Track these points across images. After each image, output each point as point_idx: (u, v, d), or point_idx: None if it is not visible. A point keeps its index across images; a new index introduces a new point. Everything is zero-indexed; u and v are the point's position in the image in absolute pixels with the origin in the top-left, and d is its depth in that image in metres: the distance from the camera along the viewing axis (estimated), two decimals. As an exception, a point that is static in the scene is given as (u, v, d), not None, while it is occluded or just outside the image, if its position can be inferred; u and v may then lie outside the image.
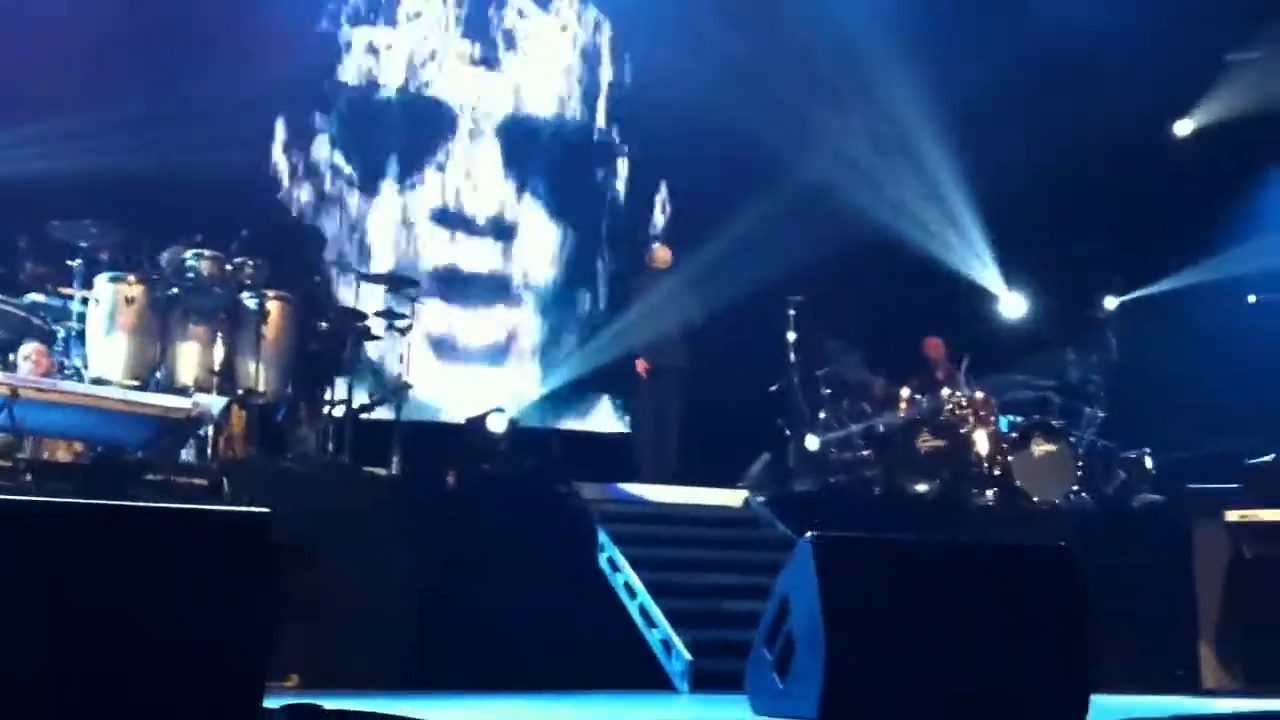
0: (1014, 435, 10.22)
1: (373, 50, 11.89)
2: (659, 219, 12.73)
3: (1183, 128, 12.71)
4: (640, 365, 10.41)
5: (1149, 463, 10.45)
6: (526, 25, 12.44)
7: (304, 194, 11.46)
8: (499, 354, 11.98)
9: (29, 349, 7.69)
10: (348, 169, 11.66)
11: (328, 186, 11.56)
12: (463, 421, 9.88)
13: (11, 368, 7.57)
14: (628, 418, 11.08)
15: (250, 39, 10.53)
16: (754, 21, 11.95)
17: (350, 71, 11.79)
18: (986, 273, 12.31)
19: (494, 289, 12.09)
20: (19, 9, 9.88)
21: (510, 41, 12.38)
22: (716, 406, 10.82)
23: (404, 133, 11.90)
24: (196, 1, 10.75)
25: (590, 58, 12.68)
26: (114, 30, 10.13)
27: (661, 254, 10.88)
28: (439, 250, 11.89)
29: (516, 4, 12.40)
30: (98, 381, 7.64)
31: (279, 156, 11.31)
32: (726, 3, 12.11)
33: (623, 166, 12.75)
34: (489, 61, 12.26)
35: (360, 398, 9.15)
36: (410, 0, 12.06)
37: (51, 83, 9.73)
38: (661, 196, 12.74)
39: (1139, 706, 6.27)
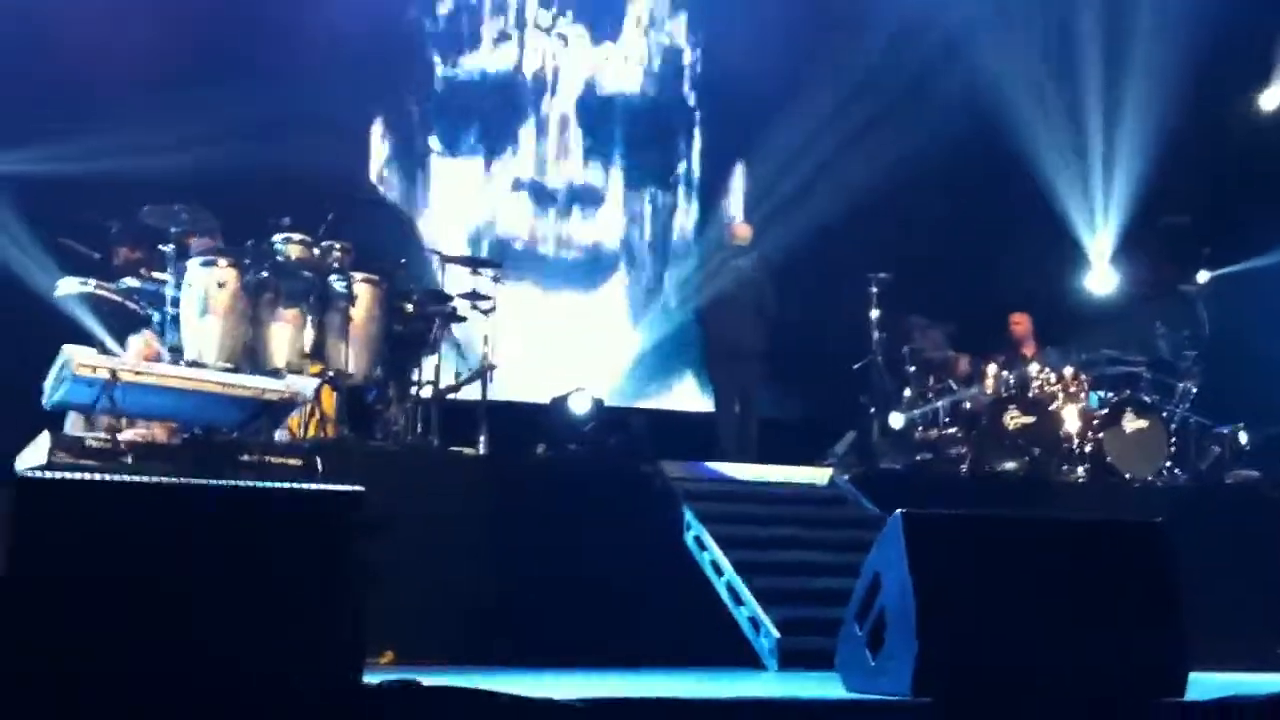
0: (1104, 411, 10.09)
1: (458, 37, 12.01)
2: (735, 198, 12.71)
3: (1270, 100, 12.42)
4: None
5: (1243, 438, 10.28)
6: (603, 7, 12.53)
7: (392, 175, 11.63)
8: (585, 321, 12.08)
9: (142, 335, 7.86)
10: (436, 147, 11.84)
11: (416, 166, 11.72)
12: (548, 401, 9.93)
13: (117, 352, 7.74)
14: (710, 396, 11.06)
15: (338, 25, 10.65)
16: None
17: (436, 54, 11.90)
18: (1093, 242, 12.14)
19: (580, 261, 12.20)
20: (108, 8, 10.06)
21: (589, 18, 12.45)
22: (801, 384, 10.79)
23: (489, 109, 12.06)
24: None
25: (666, 34, 12.70)
26: (204, 16, 10.30)
27: (741, 230, 10.87)
28: (524, 222, 12.04)
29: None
30: (193, 364, 7.77)
31: (374, 140, 11.49)
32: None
33: (699, 140, 12.75)
34: (566, 38, 12.33)
35: (448, 378, 9.23)
36: None
37: (140, 71, 9.92)
38: (738, 175, 12.71)
39: (1237, 684, 6.16)
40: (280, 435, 7.59)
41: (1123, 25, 11.90)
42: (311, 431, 7.88)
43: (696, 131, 12.78)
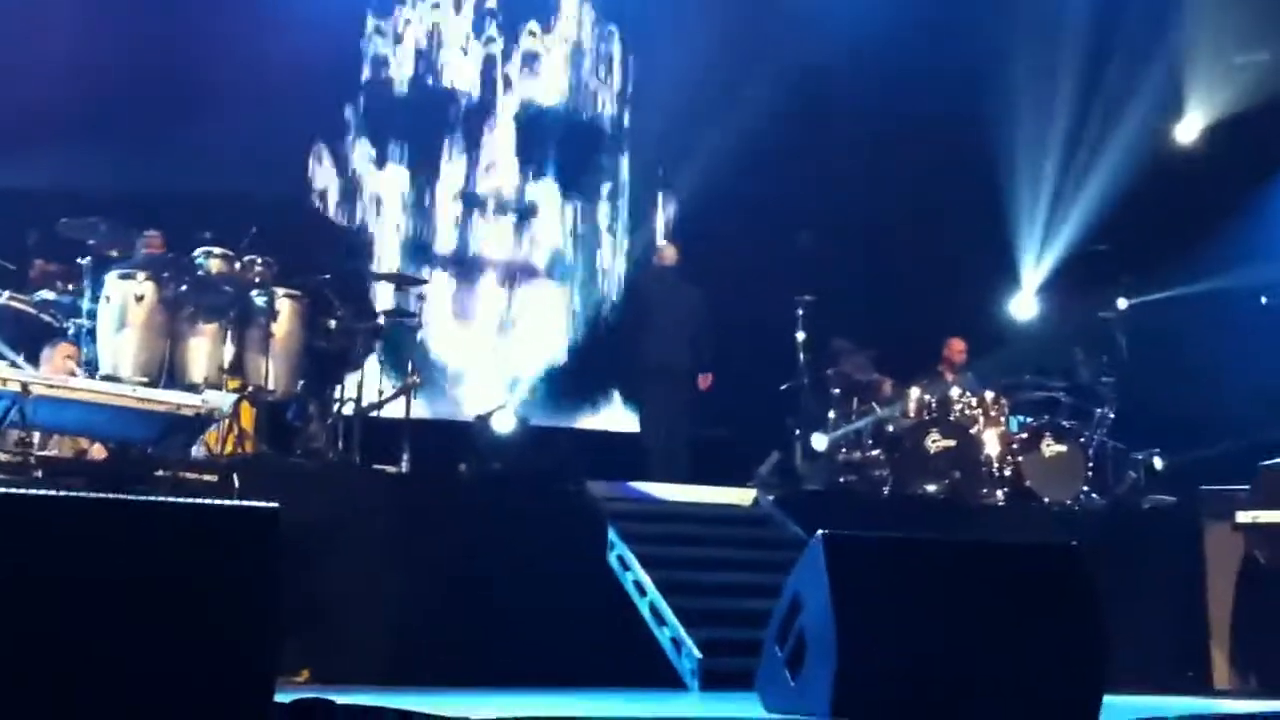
0: (1024, 435, 10.22)
1: (391, 45, 12.03)
2: (661, 220, 12.77)
3: (1188, 131, 12.70)
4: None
5: (1159, 463, 10.44)
6: (537, 28, 12.55)
7: (324, 187, 11.57)
8: (509, 327, 12.07)
9: (59, 347, 7.71)
10: (368, 160, 11.80)
11: (346, 179, 11.67)
12: (472, 419, 9.88)
13: (34, 365, 7.59)
14: (637, 415, 11.07)
15: (272, 38, 10.56)
16: (749, 26, 12.01)
17: (372, 67, 11.92)
18: (1028, 270, 12.33)
19: (510, 267, 12.24)
20: (36, 22, 9.89)
21: (522, 40, 12.49)
22: (726, 406, 10.82)
23: (423, 121, 12.08)
24: (221, 3, 10.74)
25: (599, 57, 12.73)
26: (133, 33, 10.16)
27: (668, 251, 10.91)
28: (456, 234, 12.08)
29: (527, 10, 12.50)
30: (109, 378, 7.63)
31: (309, 155, 11.43)
32: (726, 9, 12.15)
33: (627, 160, 12.81)
34: (499, 53, 12.39)
35: (370, 395, 9.15)
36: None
37: (66, 86, 9.76)
38: (666, 198, 12.77)
39: (1150, 706, 6.26)
40: (198, 451, 7.48)
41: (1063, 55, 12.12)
42: (229, 448, 7.77)
43: (625, 150, 12.82)
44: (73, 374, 7.58)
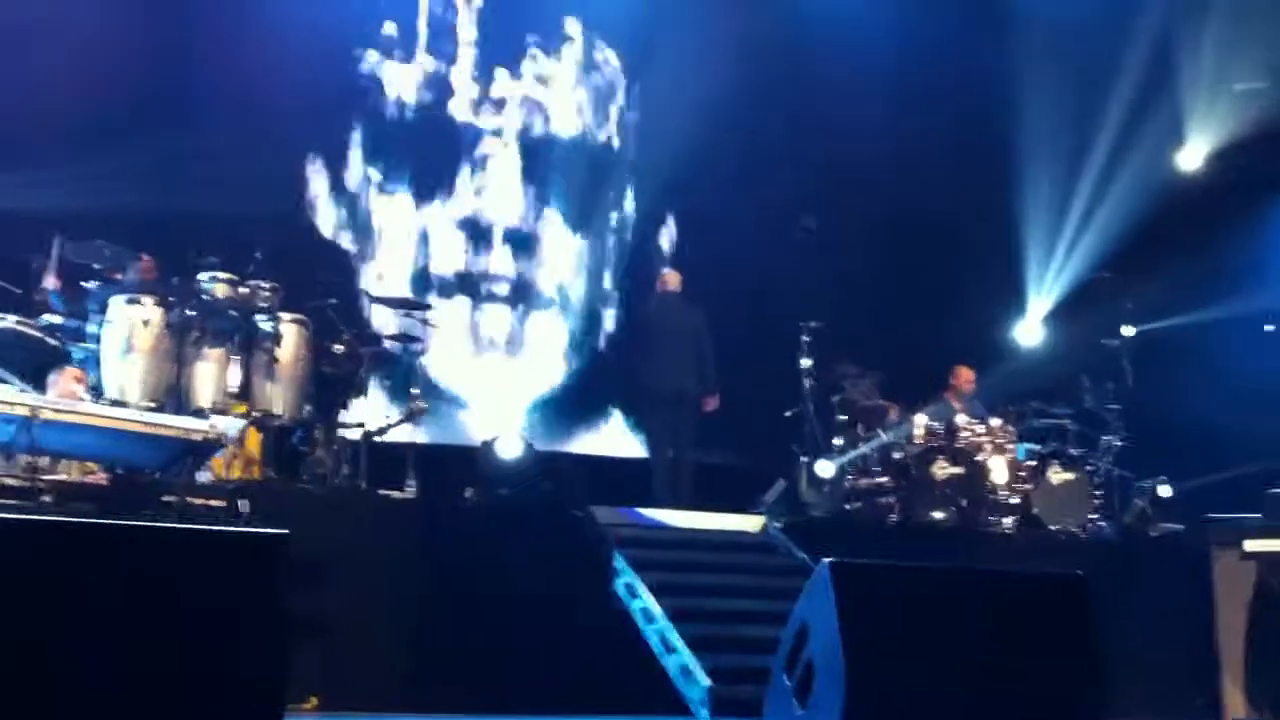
0: (1031, 463, 10.19)
1: (395, 72, 12.07)
2: (664, 244, 12.80)
3: (1190, 159, 12.72)
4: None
5: (1167, 491, 10.41)
6: (541, 58, 12.63)
7: (326, 214, 11.61)
8: (514, 352, 12.11)
9: (66, 371, 7.70)
10: (372, 187, 11.84)
11: (351, 206, 11.73)
12: (478, 444, 9.86)
13: (40, 389, 7.58)
14: (641, 439, 11.05)
15: (275, 60, 10.59)
16: (753, 52, 12.07)
17: (375, 93, 11.98)
18: (1036, 297, 12.33)
19: (514, 292, 12.27)
20: (39, 43, 9.92)
21: (525, 68, 12.55)
22: (732, 432, 10.80)
23: (427, 150, 12.09)
24: (222, 31, 10.75)
25: (602, 86, 12.80)
26: (134, 53, 10.19)
27: (671, 278, 10.85)
28: (461, 260, 12.10)
29: (531, 40, 12.56)
30: (115, 403, 7.64)
31: (311, 179, 11.46)
32: (729, 37, 12.20)
33: (631, 190, 12.85)
34: (508, 86, 12.46)
35: (378, 419, 9.15)
36: (432, 29, 12.26)
37: (73, 111, 9.78)
38: (668, 225, 12.80)
39: (1159, 736, 6.22)
40: (204, 476, 7.47)
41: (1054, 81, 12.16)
42: (236, 473, 7.76)
43: (629, 176, 12.86)
44: (80, 398, 7.58)
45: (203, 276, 8.27)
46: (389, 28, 12.06)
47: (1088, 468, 10.32)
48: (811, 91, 12.18)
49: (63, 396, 7.41)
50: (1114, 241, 12.27)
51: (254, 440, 8.06)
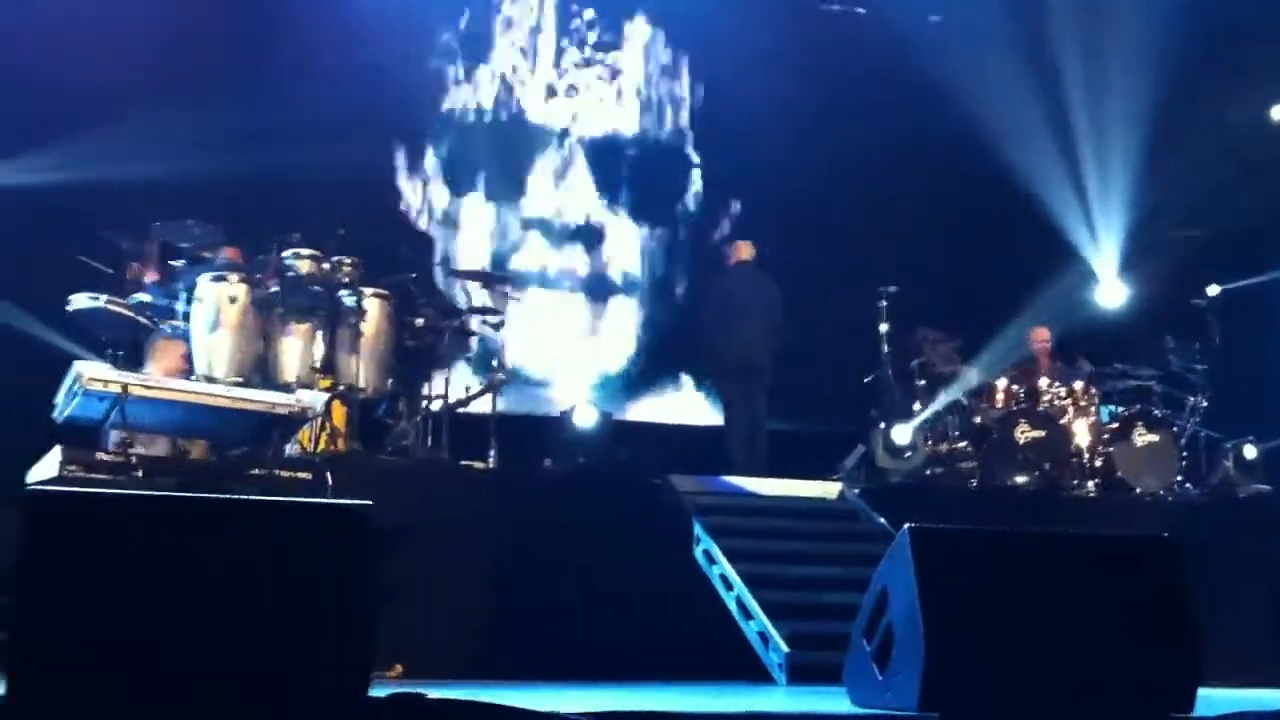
0: (1115, 425, 10.08)
1: (470, 72, 12.33)
2: (729, 222, 12.83)
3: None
4: None
5: (1252, 451, 10.24)
6: (606, 56, 12.76)
7: (411, 198, 11.81)
8: (589, 334, 12.29)
9: (176, 345, 7.86)
10: (448, 185, 12.10)
11: (431, 199, 11.96)
12: (558, 414, 9.96)
13: (135, 366, 7.77)
14: (717, 408, 11.08)
15: (359, 51, 10.76)
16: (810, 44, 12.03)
17: (453, 97, 12.23)
18: (1097, 256, 12.14)
19: (586, 283, 12.47)
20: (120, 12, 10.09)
21: (592, 66, 12.70)
22: (810, 398, 10.79)
23: (500, 150, 12.33)
24: (304, 13, 10.88)
25: (667, 83, 12.85)
26: (218, 28, 10.35)
27: (744, 248, 10.73)
28: (534, 256, 12.30)
29: (597, 38, 12.72)
30: (204, 379, 7.81)
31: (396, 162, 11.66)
32: (788, 31, 12.15)
33: (698, 178, 12.91)
34: (575, 87, 12.66)
35: (459, 391, 9.26)
36: (505, 34, 12.49)
37: (158, 87, 9.95)
38: (734, 211, 12.81)
39: (1246, 699, 6.14)
40: (292, 449, 7.62)
41: (1117, 36, 11.93)
42: (322, 445, 7.91)
43: (696, 165, 12.91)
44: (186, 371, 7.76)
45: (287, 254, 8.41)
46: (463, 23, 12.24)
47: (1173, 429, 10.18)
48: (875, 68, 12.04)
49: (167, 372, 7.58)
50: (1199, 199, 12.01)
51: (339, 413, 8.20)
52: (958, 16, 12.25)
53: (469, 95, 12.33)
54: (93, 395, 6.57)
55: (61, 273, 8.62)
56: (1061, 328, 10.99)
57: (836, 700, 5.51)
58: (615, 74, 12.80)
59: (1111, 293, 12.19)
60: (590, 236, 12.49)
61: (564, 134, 12.56)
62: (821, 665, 6.70)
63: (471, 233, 12.09)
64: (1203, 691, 5.14)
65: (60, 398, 6.87)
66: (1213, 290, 11.14)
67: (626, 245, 12.62)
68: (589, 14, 12.78)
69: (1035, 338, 10.69)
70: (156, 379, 7.21)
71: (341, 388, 8.22)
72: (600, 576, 7.64)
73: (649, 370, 12.33)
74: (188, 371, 7.99)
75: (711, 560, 8.02)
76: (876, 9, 12.52)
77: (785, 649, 7.26)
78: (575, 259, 12.44)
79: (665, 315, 12.58)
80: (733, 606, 7.76)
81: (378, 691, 4.31)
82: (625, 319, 12.51)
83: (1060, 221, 12.11)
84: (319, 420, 7.78)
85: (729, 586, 7.83)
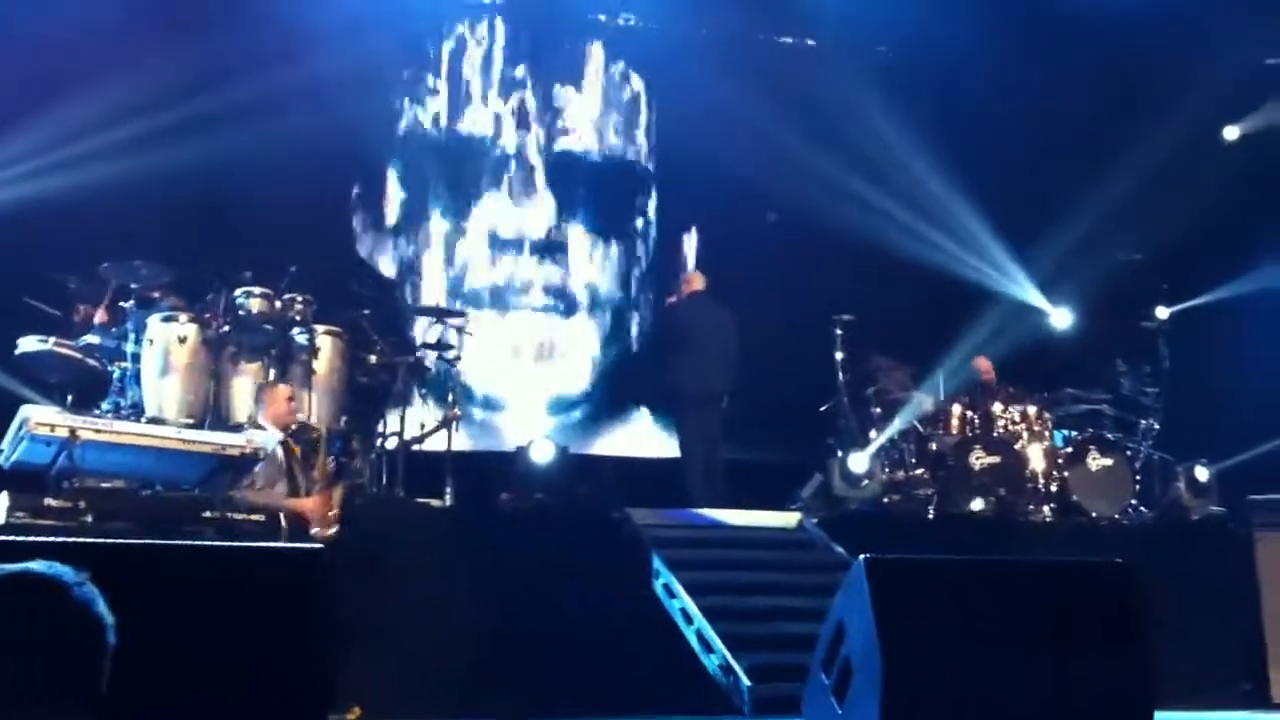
0: (1069, 450, 10.12)
1: (427, 94, 12.32)
2: (690, 249, 12.85)
3: (1231, 133, 12.59)
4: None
5: (1204, 474, 10.31)
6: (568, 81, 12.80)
7: (361, 228, 11.76)
8: (550, 354, 12.27)
9: (282, 391, 7.61)
10: (406, 204, 12.06)
11: (385, 221, 11.91)
12: (514, 449, 9.91)
13: (79, 410, 7.66)
14: (671, 438, 11.06)
15: (314, 94, 10.68)
16: (763, 75, 12.14)
17: (408, 115, 12.22)
18: (1028, 290, 12.24)
19: (545, 298, 12.42)
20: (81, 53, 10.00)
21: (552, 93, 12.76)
22: (766, 427, 10.79)
23: (458, 168, 12.28)
24: (256, 54, 10.81)
25: (624, 110, 12.92)
26: (175, 61, 10.27)
27: (695, 279, 10.76)
28: (492, 270, 12.26)
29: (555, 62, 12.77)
30: (154, 420, 7.72)
31: (353, 200, 11.68)
32: (741, 63, 12.25)
33: (655, 199, 12.95)
34: (530, 111, 12.69)
35: (414, 428, 9.20)
36: (459, 59, 12.51)
37: (99, 110, 9.83)
38: (691, 236, 12.85)
39: (1205, 722, 6.19)
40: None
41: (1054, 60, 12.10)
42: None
43: (653, 188, 12.95)
44: (295, 416, 7.51)
45: (238, 292, 8.35)
46: (420, 49, 12.27)
47: (1126, 452, 10.24)
48: (830, 96, 12.13)
49: (275, 419, 7.36)
50: (1145, 222, 12.13)
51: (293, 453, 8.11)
52: (905, 52, 12.37)
53: (424, 118, 12.31)
54: (39, 440, 6.49)
55: (8, 316, 8.51)
56: (1010, 353, 11.04)
57: (797, 733, 5.50)
58: (571, 99, 12.81)
59: (1061, 317, 12.26)
60: (549, 257, 12.47)
61: (520, 155, 12.53)
62: (785, 696, 6.66)
63: (429, 260, 12.05)
64: (1159, 714, 5.17)
65: (6, 443, 6.78)
66: (1162, 313, 11.22)
67: (584, 268, 12.61)
68: (547, 38, 12.81)
69: (979, 368, 10.75)
70: (106, 423, 7.11)
71: (294, 427, 8.13)
72: (560, 613, 7.60)
73: (606, 403, 12.30)
74: (293, 414, 7.70)
75: (671, 594, 7.99)
76: (825, 42, 12.62)
77: (747, 681, 7.24)
78: (534, 279, 12.42)
79: (623, 341, 12.58)
80: (693, 640, 7.73)
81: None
82: (583, 340, 12.48)
83: (1026, 244, 12.21)
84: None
85: (689, 620, 7.80)
